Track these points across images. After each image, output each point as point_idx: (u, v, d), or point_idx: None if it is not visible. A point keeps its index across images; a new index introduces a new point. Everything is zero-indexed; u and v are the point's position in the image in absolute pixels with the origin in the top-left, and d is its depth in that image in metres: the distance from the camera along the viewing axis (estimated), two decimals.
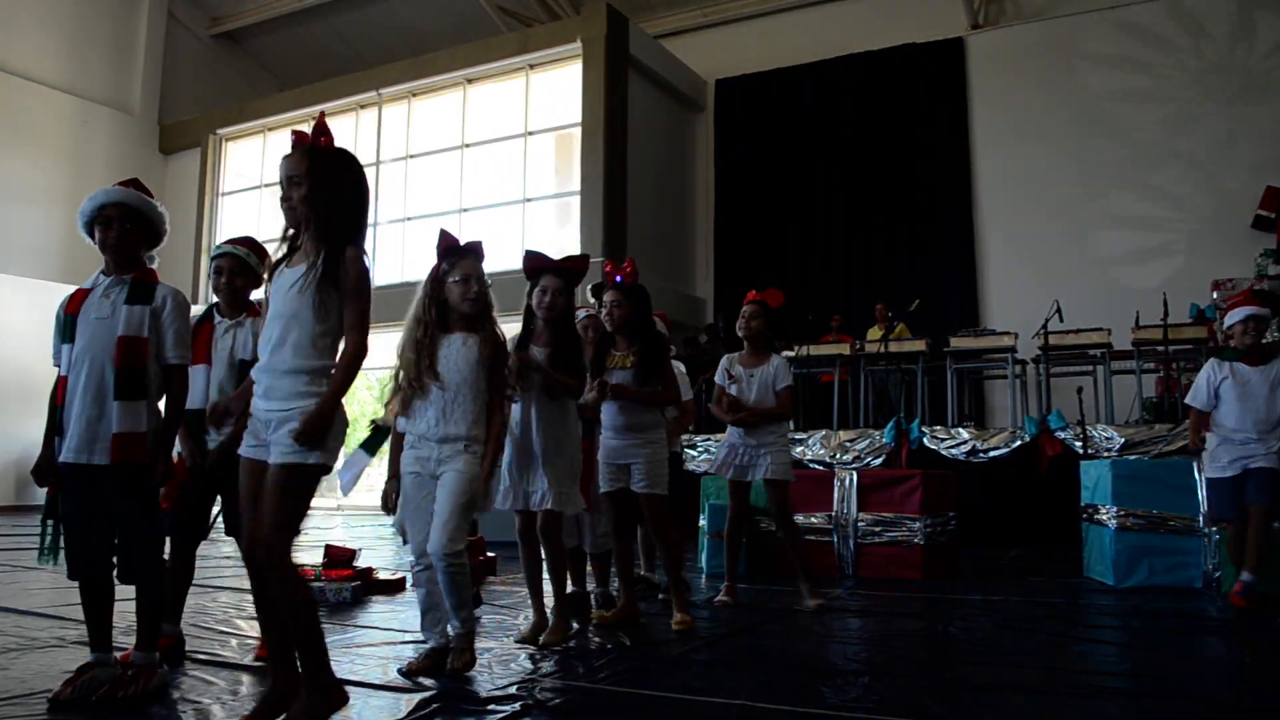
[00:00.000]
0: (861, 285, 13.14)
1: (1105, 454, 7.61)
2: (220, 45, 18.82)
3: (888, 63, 13.71)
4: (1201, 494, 5.79)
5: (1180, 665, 3.76)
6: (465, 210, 14.27)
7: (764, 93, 14.61)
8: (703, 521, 6.79)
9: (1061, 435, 7.88)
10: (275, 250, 2.81)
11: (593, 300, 4.58)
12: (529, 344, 4.04)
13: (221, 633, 4.16)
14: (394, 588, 5.58)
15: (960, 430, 8.40)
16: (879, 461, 8.33)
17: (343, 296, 2.64)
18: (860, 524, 6.43)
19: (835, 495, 6.54)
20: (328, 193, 2.67)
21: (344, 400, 2.70)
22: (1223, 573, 5.67)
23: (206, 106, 17.77)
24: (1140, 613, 4.98)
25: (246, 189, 17.22)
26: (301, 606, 2.63)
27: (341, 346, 2.68)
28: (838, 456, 8.50)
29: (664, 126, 14.61)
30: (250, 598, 3.40)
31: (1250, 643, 4.12)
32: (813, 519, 6.55)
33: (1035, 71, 13.08)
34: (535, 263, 4.07)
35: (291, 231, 2.76)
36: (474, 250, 3.60)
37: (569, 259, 4.13)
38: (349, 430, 2.77)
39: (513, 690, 3.20)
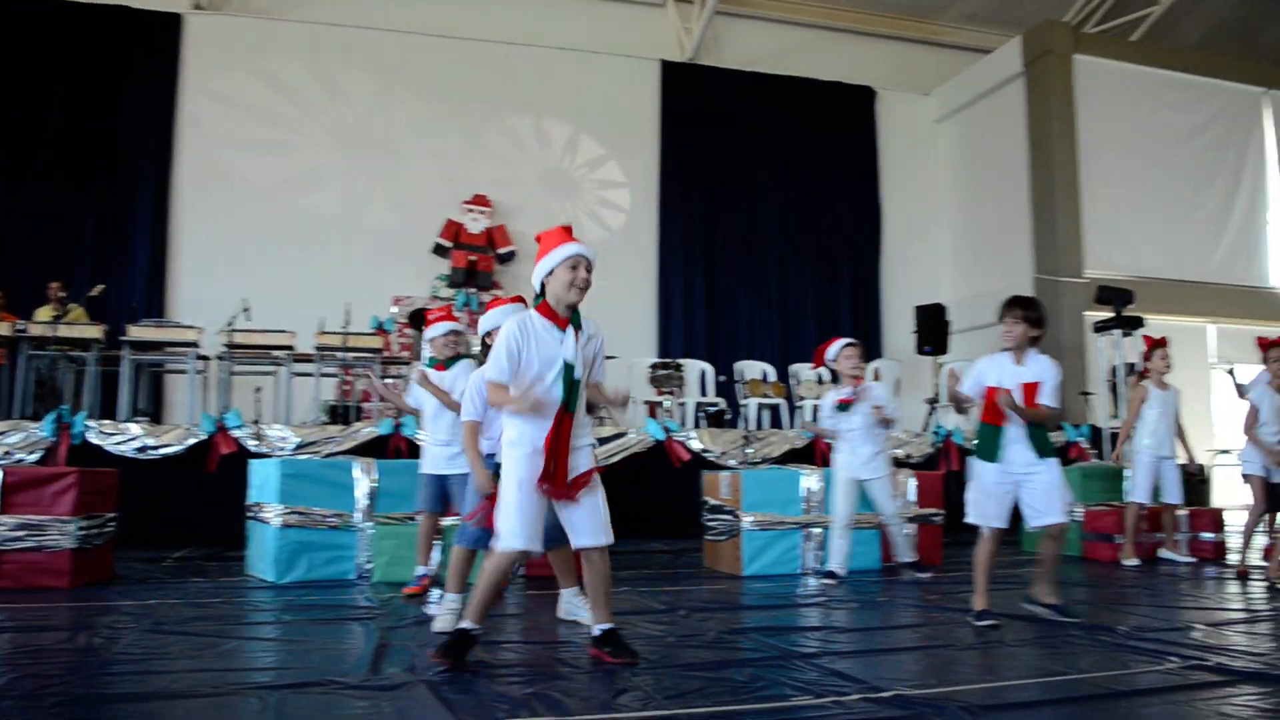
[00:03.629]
0: (31, 259, 11.62)
1: (279, 453, 7.76)
2: None
3: (99, 20, 12.38)
4: (358, 492, 6.21)
5: (323, 653, 3.93)
6: None
7: None
8: None
9: (237, 434, 7.86)
10: None
11: None
12: None
13: None
14: None
15: (132, 425, 7.89)
16: (35, 458, 7.46)
17: None
18: None
19: None
20: None
21: None
22: (375, 564, 6.15)
23: None
24: (295, 606, 5.13)
25: None
26: None
27: None
28: None
29: None
30: None
31: (386, 627, 4.47)
32: None
33: (244, 69, 12.96)
34: None
35: None
36: None
37: None
38: None
39: None
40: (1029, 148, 13.75)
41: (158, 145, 12.50)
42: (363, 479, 6.24)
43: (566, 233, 3.75)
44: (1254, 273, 14.59)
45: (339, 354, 9.39)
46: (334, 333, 9.24)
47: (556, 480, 3.58)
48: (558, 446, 3.58)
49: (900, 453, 9.33)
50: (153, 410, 10.32)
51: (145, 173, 12.40)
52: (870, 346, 14.22)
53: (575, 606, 4.61)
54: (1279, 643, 4.19)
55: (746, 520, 6.58)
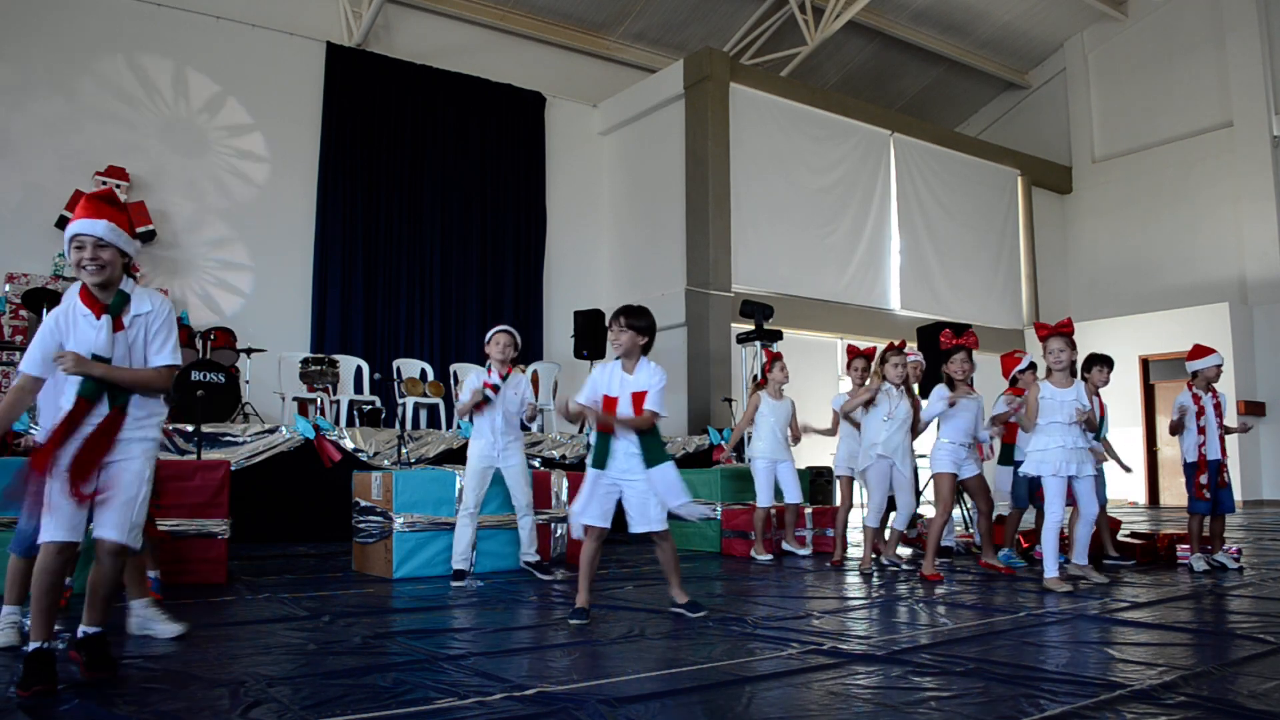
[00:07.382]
0: None
1: None
2: None
3: None
4: None
5: None
6: None
7: None
8: None
9: None
10: None
11: None
12: None
13: None
14: None
15: None
16: None
17: None
18: None
19: None
20: None
21: None
22: None
23: None
24: None
25: None
26: None
27: None
28: None
29: None
30: None
31: None
32: None
33: None
34: None
35: None
36: None
37: None
38: None
39: None
40: (686, 166, 14.52)
41: None
42: None
43: (86, 205, 3.36)
44: (876, 295, 16.25)
45: None
46: None
47: (74, 474, 3.20)
48: (69, 435, 3.22)
49: (555, 454, 9.52)
50: None
51: None
52: (532, 349, 14.44)
53: (146, 619, 4.25)
54: (880, 626, 4.66)
55: (398, 521, 6.44)
